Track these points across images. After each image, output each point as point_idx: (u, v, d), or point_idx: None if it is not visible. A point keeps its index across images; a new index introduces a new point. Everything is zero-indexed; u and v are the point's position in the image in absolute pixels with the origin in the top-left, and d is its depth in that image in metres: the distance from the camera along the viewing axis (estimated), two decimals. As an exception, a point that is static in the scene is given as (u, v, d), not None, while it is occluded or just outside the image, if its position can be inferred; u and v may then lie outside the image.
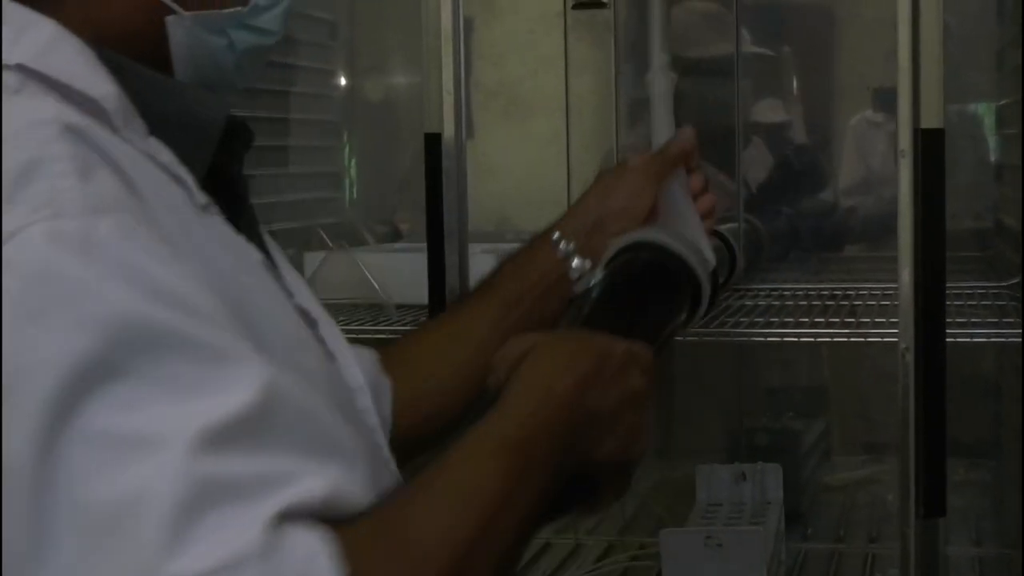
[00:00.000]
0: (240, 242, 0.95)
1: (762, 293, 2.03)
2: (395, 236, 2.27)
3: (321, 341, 1.01)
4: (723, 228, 2.00)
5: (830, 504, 2.26)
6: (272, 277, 0.98)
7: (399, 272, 1.87)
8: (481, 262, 1.75)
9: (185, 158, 0.93)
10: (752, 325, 1.75)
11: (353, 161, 2.36)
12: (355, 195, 2.35)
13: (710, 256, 1.24)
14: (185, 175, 0.92)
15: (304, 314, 1.00)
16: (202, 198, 0.92)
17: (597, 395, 0.93)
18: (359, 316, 1.83)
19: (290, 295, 1.00)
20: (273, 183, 2.24)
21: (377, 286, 1.83)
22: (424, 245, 1.69)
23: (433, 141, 1.53)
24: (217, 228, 0.93)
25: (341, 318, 1.81)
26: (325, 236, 1.98)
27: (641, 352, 0.99)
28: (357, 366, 1.07)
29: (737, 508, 1.94)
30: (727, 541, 1.70)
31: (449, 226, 1.56)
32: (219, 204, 0.95)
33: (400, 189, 2.37)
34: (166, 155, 0.91)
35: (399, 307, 1.84)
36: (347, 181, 2.36)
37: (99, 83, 0.90)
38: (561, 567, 2.04)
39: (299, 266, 1.95)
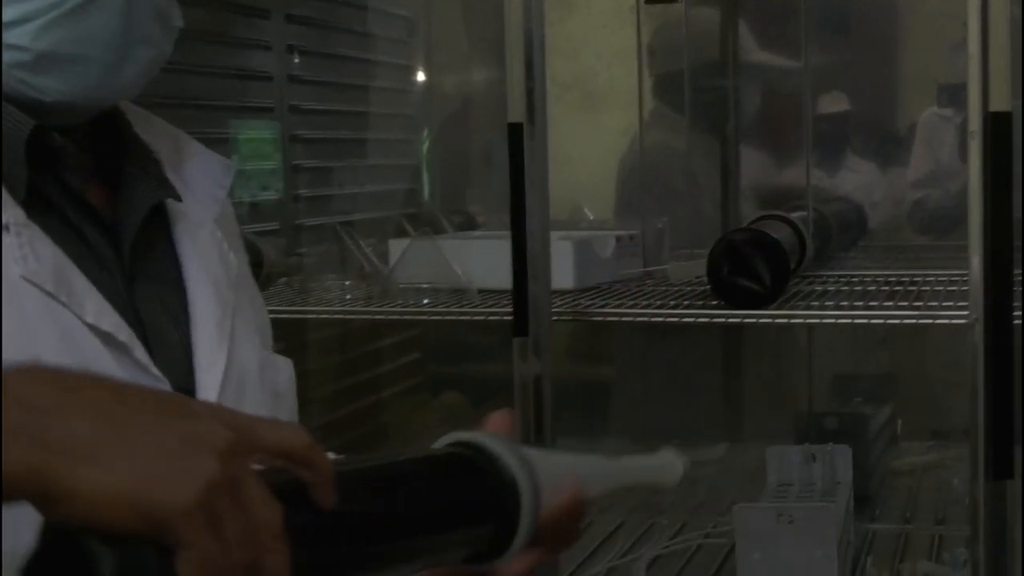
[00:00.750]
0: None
1: (831, 279, 2.07)
2: (471, 226, 2.34)
3: (137, 363, 0.99)
4: (793, 216, 2.06)
5: (897, 487, 2.31)
6: (57, 298, 0.98)
7: (480, 258, 1.93)
8: (559, 249, 1.82)
9: (9, 175, 0.98)
10: (822, 307, 1.80)
11: (431, 154, 2.43)
12: (433, 186, 2.43)
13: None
14: None
15: (107, 336, 0.98)
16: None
17: None
18: (443, 300, 1.89)
19: (81, 318, 0.98)
20: (353, 175, 2.32)
21: (459, 271, 1.89)
22: (500, 233, 1.75)
23: (516, 130, 1.60)
24: None
25: (425, 301, 1.88)
26: (407, 224, 2.04)
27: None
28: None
29: (807, 488, 1.98)
30: (799, 517, 1.74)
31: (530, 213, 1.62)
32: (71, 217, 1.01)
33: (475, 181, 2.45)
34: None
35: (480, 291, 1.90)
36: (425, 173, 2.43)
37: None
38: (637, 543, 2.09)
39: (383, 254, 2.02)
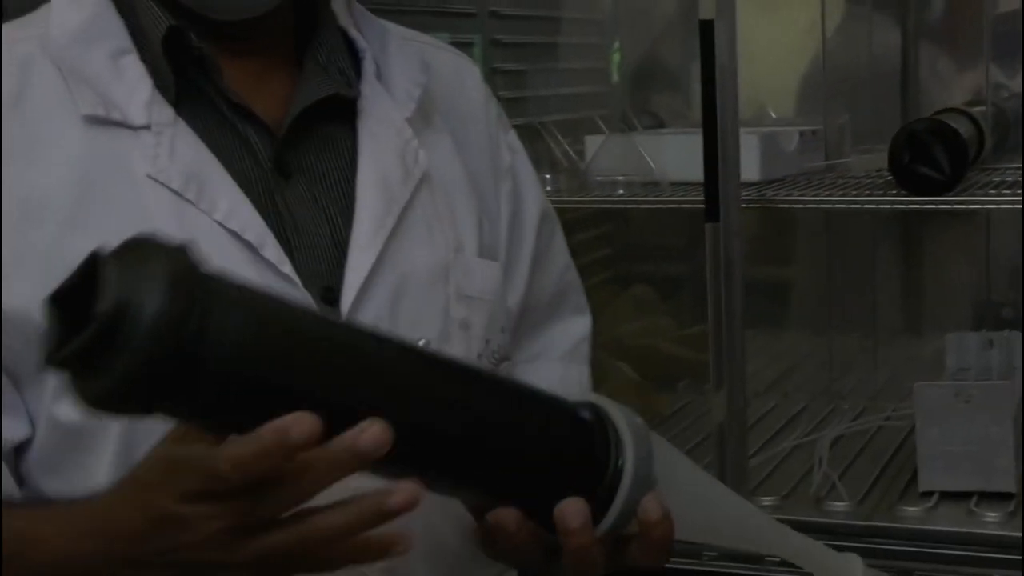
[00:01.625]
0: (123, 154, 1.00)
1: (1008, 170, 2.12)
2: (659, 127, 2.44)
3: (266, 263, 1.01)
4: (974, 111, 2.12)
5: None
6: (184, 198, 1.00)
7: (671, 152, 2.04)
8: (746, 142, 1.92)
9: (155, 70, 1.03)
10: (1000, 195, 1.86)
11: (621, 57, 2.53)
12: (623, 89, 2.52)
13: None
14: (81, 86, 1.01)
15: (236, 235, 1.00)
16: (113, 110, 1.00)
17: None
18: (637, 192, 2.01)
19: (209, 215, 1.00)
20: (547, 78, 2.43)
21: (652, 164, 2.00)
22: (691, 130, 1.85)
23: (707, 27, 1.69)
24: (100, 139, 1.00)
25: (620, 192, 2.00)
26: (600, 122, 2.15)
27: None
28: (309, 292, 1.03)
29: (984, 373, 2.01)
30: (977, 394, 1.81)
31: (720, 106, 1.72)
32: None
33: (663, 84, 2.54)
34: (96, 66, 1.01)
35: (672, 184, 2.01)
36: (615, 76, 2.54)
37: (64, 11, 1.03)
38: (820, 425, 2.19)
39: (579, 152, 2.13)
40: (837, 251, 2.41)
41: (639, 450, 0.91)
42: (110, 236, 0.86)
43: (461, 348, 1.09)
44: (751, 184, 1.95)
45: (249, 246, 1.01)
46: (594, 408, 0.94)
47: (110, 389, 0.72)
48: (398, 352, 0.84)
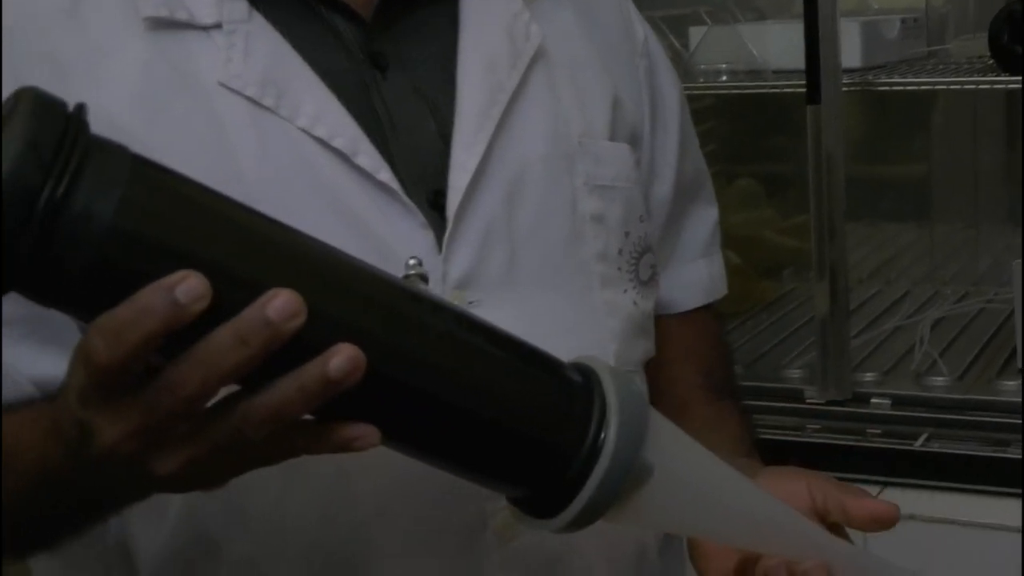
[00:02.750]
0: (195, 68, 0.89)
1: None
2: (760, 18, 2.47)
3: (359, 169, 0.90)
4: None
5: None
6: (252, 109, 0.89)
7: (773, 41, 2.09)
8: (847, 29, 1.96)
9: None
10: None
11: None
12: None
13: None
14: None
15: (322, 142, 0.90)
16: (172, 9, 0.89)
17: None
18: (740, 79, 2.07)
19: (292, 121, 0.89)
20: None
21: (755, 52, 2.05)
22: (790, 21, 1.89)
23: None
24: (164, 45, 0.89)
25: (724, 79, 2.06)
26: (704, 14, 2.20)
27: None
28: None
29: None
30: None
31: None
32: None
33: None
34: None
35: (775, 72, 2.06)
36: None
37: None
38: (921, 308, 2.24)
39: (684, 43, 2.19)
40: (939, 138, 2.44)
41: (627, 427, 0.74)
42: (181, 157, 0.75)
43: (597, 244, 0.99)
44: (852, 70, 1.98)
45: (340, 154, 0.89)
46: (585, 371, 0.77)
47: None
48: (349, 265, 0.70)
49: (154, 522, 0.90)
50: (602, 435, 0.73)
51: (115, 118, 0.84)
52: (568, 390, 0.75)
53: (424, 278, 0.85)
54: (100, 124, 0.79)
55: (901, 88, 1.93)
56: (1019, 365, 1.89)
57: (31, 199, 0.61)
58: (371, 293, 0.69)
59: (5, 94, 0.80)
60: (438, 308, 0.72)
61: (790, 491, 0.93)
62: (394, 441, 0.71)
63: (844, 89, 1.82)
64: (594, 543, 0.95)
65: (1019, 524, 1.64)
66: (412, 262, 0.86)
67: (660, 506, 0.77)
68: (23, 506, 0.77)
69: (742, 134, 2.63)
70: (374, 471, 0.78)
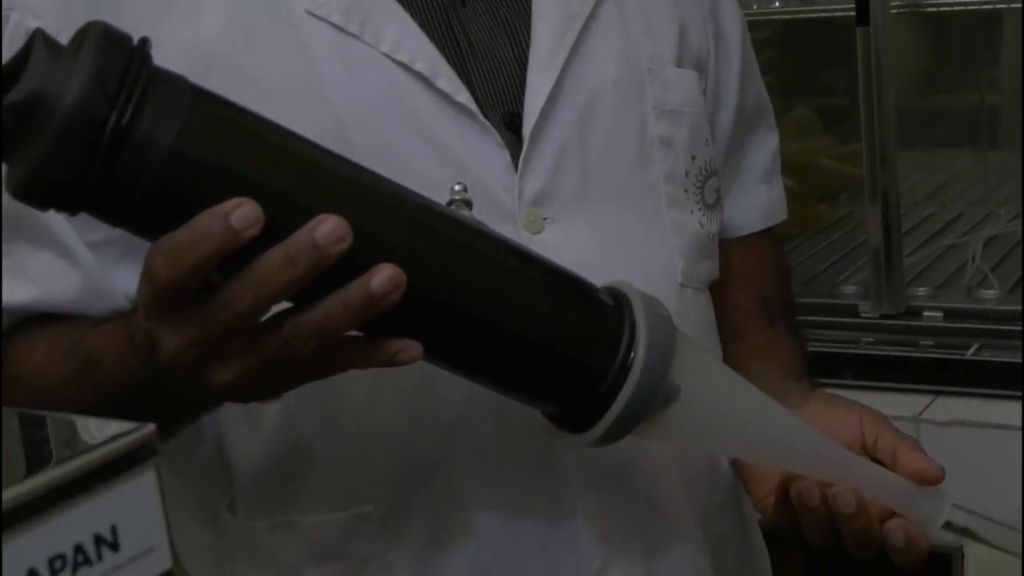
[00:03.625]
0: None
1: None
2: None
3: (439, 93, 0.94)
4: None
5: None
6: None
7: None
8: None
9: None
10: None
11: None
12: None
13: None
14: None
15: (405, 66, 0.94)
16: None
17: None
18: (791, 7, 2.13)
19: (375, 47, 0.93)
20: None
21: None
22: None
23: None
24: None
25: (776, 4, 2.12)
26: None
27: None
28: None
29: None
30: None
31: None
32: None
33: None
34: None
35: (826, -2, 2.12)
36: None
37: None
38: (974, 228, 2.30)
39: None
40: (990, 56, 2.47)
41: (656, 349, 0.79)
42: (271, 86, 0.85)
43: (665, 167, 1.03)
44: (902, -7, 2.03)
45: (421, 77, 0.94)
46: (615, 295, 0.82)
47: (22, 181, 0.68)
48: (393, 191, 0.75)
49: (249, 429, 0.97)
50: (631, 355, 0.79)
51: (210, 45, 0.90)
52: (600, 313, 0.80)
53: (468, 203, 0.88)
54: (197, 51, 0.90)
55: (948, 9, 1.98)
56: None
57: (98, 127, 0.66)
58: (413, 218, 0.74)
59: (106, 19, 0.90)
60: (478, 233, 0.77)
61: (840, 419, 1.01)
62: (436, 357, 0.76)
63: (893, 11, 1.87)
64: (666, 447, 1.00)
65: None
66: (457, 187, 0.89)
67: (687, 426, 0.82)
68: (110, 410, 0.80)
69: (799, 66, 2.68)
70: (455, 378, 0.81)
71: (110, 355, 0.85)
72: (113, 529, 0.53)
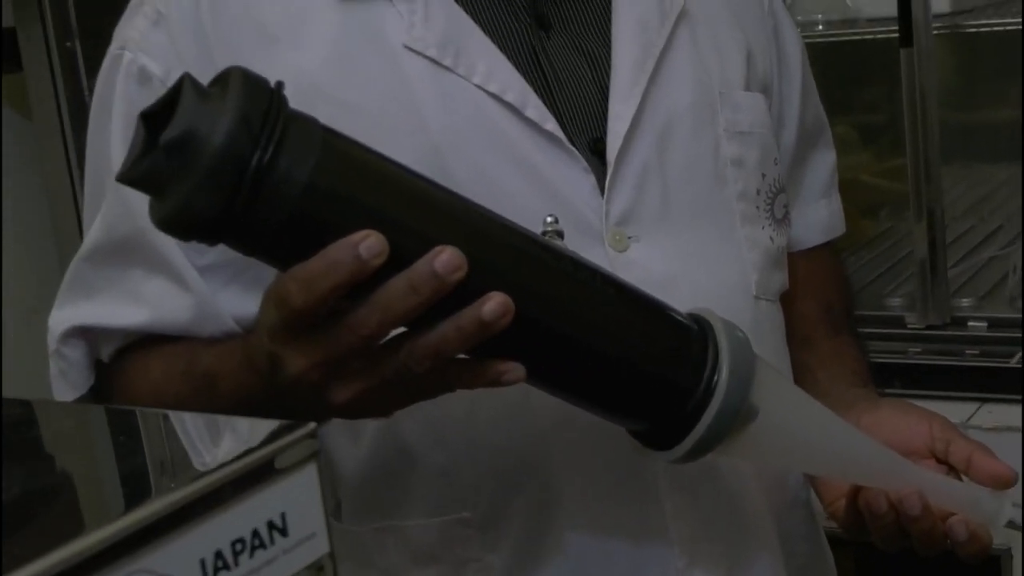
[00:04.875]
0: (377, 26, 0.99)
1: None
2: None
3: (528, 122, 1.00)
4: None
5: None
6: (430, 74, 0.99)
7: (867, -9, 2.21)
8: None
9: None
10: None
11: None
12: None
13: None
14: None
15: (496, 97, 1.00)
16: None
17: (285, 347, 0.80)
18: (835, 28, 2.19)
19: (468, 79, 0.99)
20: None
21: (849, 3, 2.17)
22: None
23: None
24: (355, 13, 0.99)
25: (819, 28, 2.18)
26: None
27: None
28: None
29: None
30: None
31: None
32: None
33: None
34: None
35: (869, 20, 2.18)
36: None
37: None
38: (1014, 240, 2.32)
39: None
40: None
41: (737, 372, 0.84)
42: (372, 115, 0.92)
43: (738, 186, 1.08)
44: (941, 15, 2.09)
45: (511, 107, 0.99)
46: (698, 320, 0.88)
47: (170, 215, 0.73)
48: (500, 224, 0.81)
49: (352, 439, 1.02)
50: (715, 378, 0.84)
51: (313, 77, 0.96)
52: (687, 337, 0.85)
53: (560, 234, 0.91)
54: (301, 82, 0.93)
55: (988, 30, 2.03)
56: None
57: (243, 164, 0.71)
58: (519, 248, 0.80)
59: (215, 56, 0.96)
60: (576, 263, 0.82)
61: (912, 425, 1.05)
62: (537, 378, 0.82)
63: (935, 32, 1.93)
64: None
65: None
66: (549, 219, 0.92)
67: (764, 444, 0.87)
68: None
69: (837, 85, 2.73)
70: None
71: (227, 374, 0.92)
72: (283, 516, 0.60)
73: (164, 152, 0.71)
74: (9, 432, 0.66)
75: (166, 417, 0.70)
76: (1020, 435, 1.80)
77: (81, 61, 2.22)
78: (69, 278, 1.06)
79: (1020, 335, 1.95)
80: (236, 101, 0.72)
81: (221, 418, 0.67)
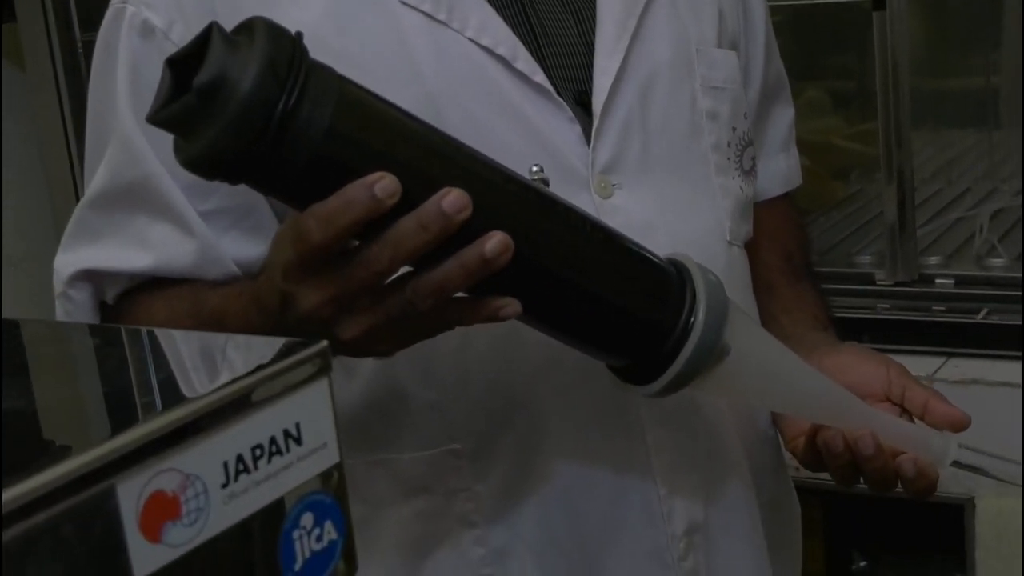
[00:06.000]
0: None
1: None
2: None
3: (519, 74, 1.03)
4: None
5: None
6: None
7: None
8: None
9: None
10: None
11: None
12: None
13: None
14: None
15: (488, 50, 1.03)
16: None
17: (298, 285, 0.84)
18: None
19: (461, 33, 1.03)
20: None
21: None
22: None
23: None
24: None
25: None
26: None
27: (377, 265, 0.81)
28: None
29: None
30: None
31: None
32: None
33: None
34: None
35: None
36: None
37: None
38: (981, 202, 2.41)
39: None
40: (994, 45, 2.57)
41: (713, 312, 0.89)
42: (370, 66, 0.94)
43: (712, 138, 1.13)
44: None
45: (502, 60, 1.03)
46: (676, 264, 0.92)
47: (199, 155, 0.76)
48: (499, 170, 0.84)
49: (346, 375, 1.04)
50: (692, 318, 0.89)
51: (315, 30, 0.92)
52: (667, 279, 0.90)
53: (546, 182, 0.95)
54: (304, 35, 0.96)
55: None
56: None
57: (270, 109, 0.75)
58: (516, 194, 0.84)
59: (217, 8, 0.99)
60: (568, 208, 0.87)
61: (869, 370, 1.09)
62: (529, 316, 0.86)
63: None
64: None
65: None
66: (535, 169, 0.97)
67: (735, 381, 0.92)
68: None
69: (810, 49, 2.77)
70: None
71: (233, 314, 0.95)
72: (297, 426, 0.63)
73: (195, 95, 0.74)
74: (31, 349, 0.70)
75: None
76: (985, 388, 1.86)
77: (75, 12, 2.22)
78: (74, 223, 1.09)
79: (985, 292, 2.00)
80: (263, 49, 0.75)
81: (218, 357, 0.68)
